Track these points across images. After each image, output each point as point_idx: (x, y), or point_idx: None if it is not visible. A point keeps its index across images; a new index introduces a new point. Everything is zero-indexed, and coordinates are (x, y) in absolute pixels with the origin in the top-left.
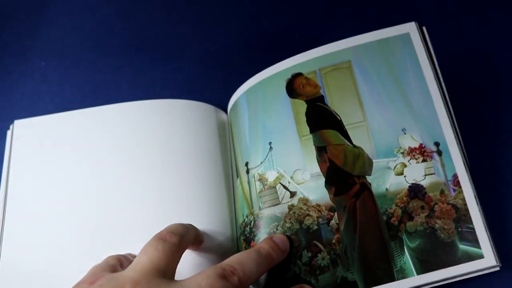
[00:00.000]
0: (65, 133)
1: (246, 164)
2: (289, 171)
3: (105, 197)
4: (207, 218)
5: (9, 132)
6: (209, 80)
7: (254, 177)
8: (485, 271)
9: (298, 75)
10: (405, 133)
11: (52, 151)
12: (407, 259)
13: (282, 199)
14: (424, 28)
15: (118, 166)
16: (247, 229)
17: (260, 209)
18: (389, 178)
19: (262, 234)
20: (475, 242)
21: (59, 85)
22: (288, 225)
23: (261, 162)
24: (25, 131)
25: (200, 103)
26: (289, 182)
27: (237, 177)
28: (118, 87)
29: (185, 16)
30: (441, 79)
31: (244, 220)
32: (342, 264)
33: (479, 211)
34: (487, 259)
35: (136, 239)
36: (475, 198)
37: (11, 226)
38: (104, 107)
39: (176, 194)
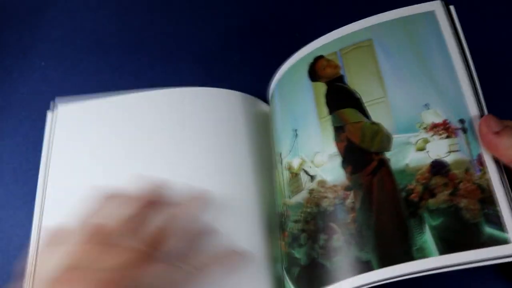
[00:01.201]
0: (109, 116)
1: (280, 154)
2: (310, 155)
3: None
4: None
5: (49, 113)
6: (210, 79)
7: (285, 167)
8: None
9: (319, 58)
10: (428, 109)
11: (94, 134)
12: (429, 238)
13: (304, 184)
14: (451, 8)
15: (162, 152)
16: (282, 219)
17: (289, 198)
18: (409, 154)
19: (290, 223)
20: (501, 226)
21: (59, 85)
22: (308, 210)
23: (290, 151)
24: (67, 112)
25: (243, 94)
26: (310, 167)
27: (275, 168)
28: (118, 87)
29: (185, 16)
30: (468, 58)
31: (280, 210)
32: (356, 244)
33: (505, 194)
34: None
35: None
36: (501, 180)
37: (50, 211)
38: (153, 92)
39: (219, 187)
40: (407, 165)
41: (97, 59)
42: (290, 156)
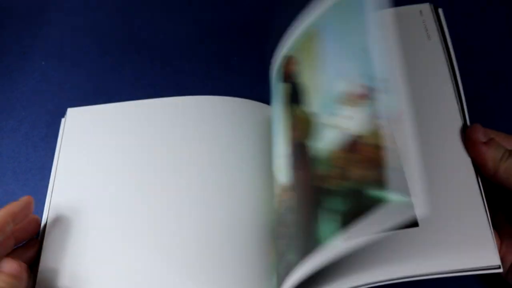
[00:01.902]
0: (119, 124)
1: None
2: (277, 159)
3: (156, 192)
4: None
5: (63, 120)
6: (210, 79)
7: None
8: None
9: (287, 58)
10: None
11: (105, 141)
12: (334, 226)
13: (275, 190)
14: (440, 11)
15: (174, 159)
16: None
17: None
18: (325, 136)
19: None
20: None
21: (59, 85)
22: (275, 217)
23: (274, 157)
24: (77, 119)
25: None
26: (276, 171)
27: None
28: (118, 87)
29: (185, 16)
30: (452, 54)
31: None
32: (289, 246)
33: (415, 154)
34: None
35: (187, 235)
36: (412, 138)
37: (55, 218)
38: (171, 99)
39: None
40: (322, 149)
41: (97, 59)
42: (274, 163)
